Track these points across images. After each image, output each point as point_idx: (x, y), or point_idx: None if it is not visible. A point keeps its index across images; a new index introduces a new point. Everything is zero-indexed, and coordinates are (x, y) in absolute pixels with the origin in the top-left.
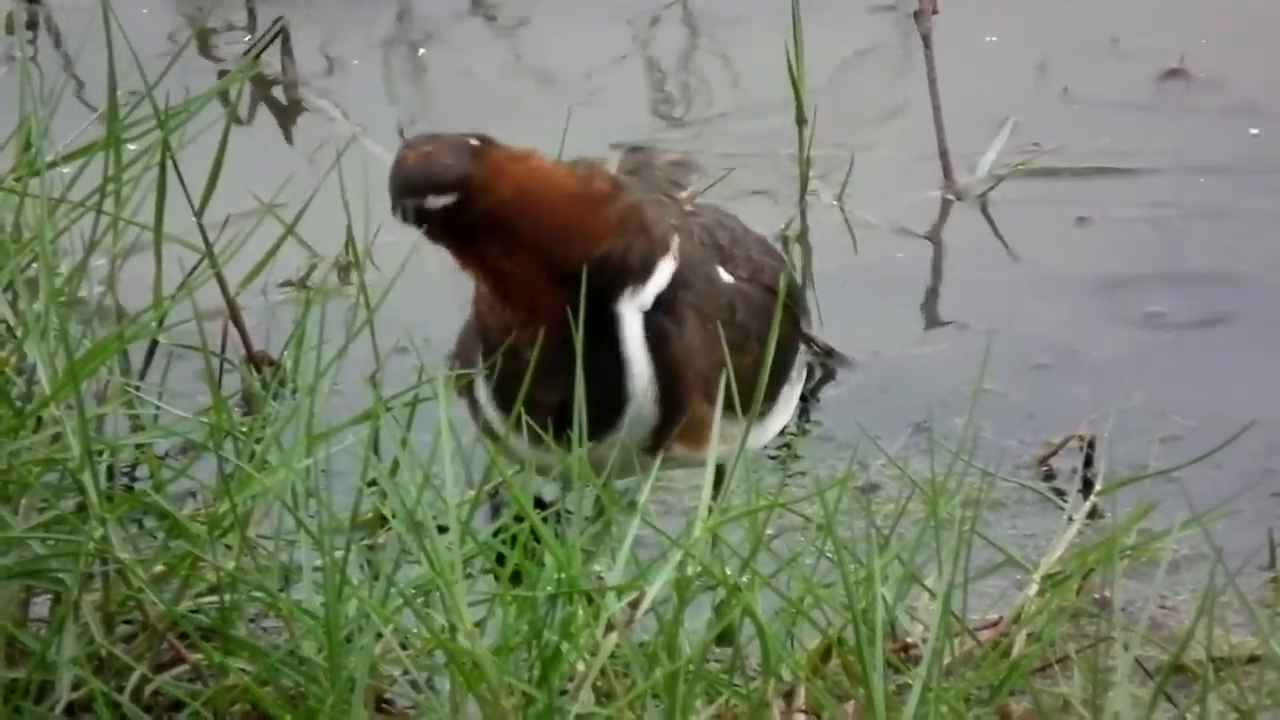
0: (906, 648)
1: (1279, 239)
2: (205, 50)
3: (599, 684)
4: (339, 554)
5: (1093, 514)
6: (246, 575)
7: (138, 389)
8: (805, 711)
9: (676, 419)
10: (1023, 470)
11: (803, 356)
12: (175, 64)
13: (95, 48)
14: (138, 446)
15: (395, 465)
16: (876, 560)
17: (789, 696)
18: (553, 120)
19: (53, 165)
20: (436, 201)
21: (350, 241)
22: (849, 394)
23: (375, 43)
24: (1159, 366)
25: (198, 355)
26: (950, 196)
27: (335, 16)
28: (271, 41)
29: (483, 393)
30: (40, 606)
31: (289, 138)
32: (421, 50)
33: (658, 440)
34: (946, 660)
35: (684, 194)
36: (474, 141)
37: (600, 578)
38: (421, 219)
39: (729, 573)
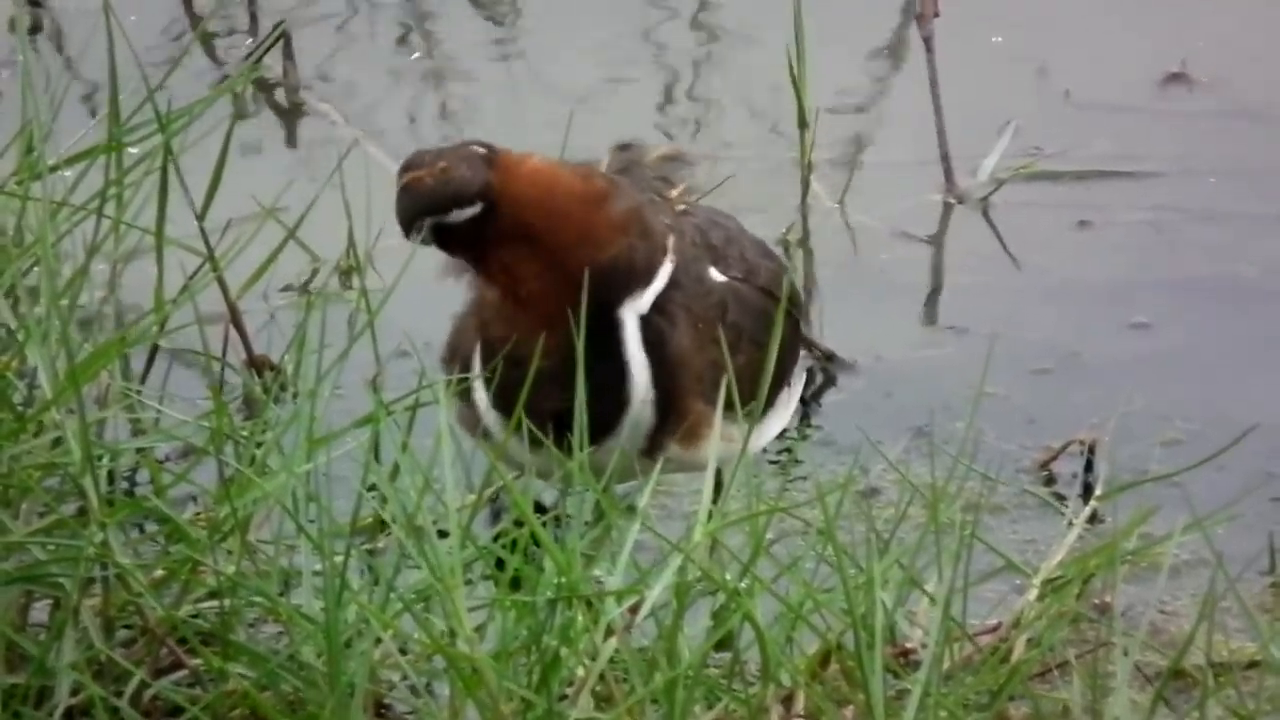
0: (906, 653)
1: None
2: (207, 54)
3: (598, 689)
4: (339, 559)
5: (1093, 519)
6: (246, 580)
7: (139, 393)
8: (804, 716)
9: (673, 421)
10: (1023, 475)
11: (802, 360)
12: (177, 68)
13: (97, 52)
14: (138, 451)
15: (396, 470)
16: (876, 565)
17: (788, 701)
18: (554, 124)
19: (54, 169)
20: (461, 215)
21: (351, 246)
22: (850, 398)
23: (376, 47)
24: (1160, 371)
25: (199, 359)
26: (951, 200)
27: (337, 20)
28: (273, 45)
29: (481, 397)
30: (40, 611)
31: (291, 141)
32: (416, 54)
33: (655, 443)
34: (946, 665)
35: (674, 192)
36: (480, 150)
37: (600, 583)
38: (441, 234)
39: (729, 578)
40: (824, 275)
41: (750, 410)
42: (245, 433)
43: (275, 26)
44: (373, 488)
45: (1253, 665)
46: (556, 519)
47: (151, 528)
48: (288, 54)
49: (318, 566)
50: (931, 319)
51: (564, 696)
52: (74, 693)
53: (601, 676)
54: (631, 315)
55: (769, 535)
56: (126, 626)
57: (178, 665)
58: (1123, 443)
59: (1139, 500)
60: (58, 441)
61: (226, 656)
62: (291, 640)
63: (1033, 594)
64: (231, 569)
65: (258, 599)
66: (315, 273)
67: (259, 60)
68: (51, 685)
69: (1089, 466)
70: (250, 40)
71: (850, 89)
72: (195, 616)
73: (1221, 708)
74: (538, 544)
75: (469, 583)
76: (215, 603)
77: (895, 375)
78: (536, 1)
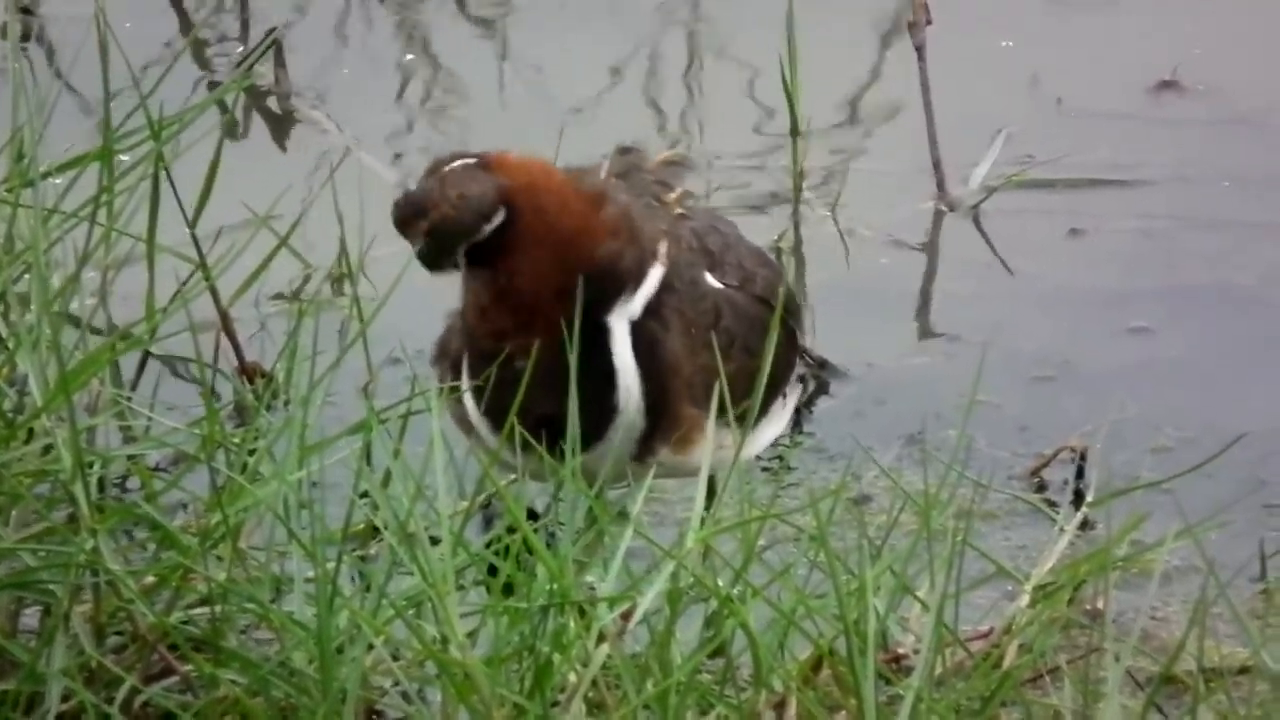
0: (898, 658)
1: (1272, 250)
2: (199, 62)
3: (591, 695)
4: (331, 565)
5: (1084, 525)
6: (238, 586)
7: (129, 400)
8: None
9: (664, 426)
10: (1015, 481)
11: (798, 371)
12: (168, 75)
13: (88, 59)
14: (129, 458)
15: (388, 476)
16: (869, 571)
17: (780, 708)
18: (548, 131)
19: (46, 176)
20: (489, 227)
21: (343, 253)
22: (842, 405)
23: (369, 54)
24: (1151, 378)
25: (190, 366)
26: (944, 208)
27: (328, 28)
28: (265, 53)
29: (470, 401)
30: (30, 618)
31: (283, 149)
32: (409, 55)
33: (646, 448)
34: (938, 671)
35: (672, 196)
36: (468, 161)
37: (592, 589)
38: (472, 252)
39: (721, 584)
40: (816, 283)
41: (741, 416)
42: (237, 440)
43: (267, 34)
44: (365, 494)
45: (1244, 671)
46: (549, 530)
47: (143, 534)
48: (279, 61)
49: (309, 573)
50: (923, 327)
51: (556, 703)
52: (65, 699)
53: (594, 683)
54: (621, 321)
55: (761, 542)
56: (117, 633)
57: (169, 672)
58: (1114, 450)
59: (1130, 507)
60: (48, 448)
61: (218, 663)
62: (283, 647)
63: (1024, 600)
64: (223, 576)
65: (249, 605)
66: (307, 280)
67: (251, 67)
68: (42, 692)
69: (1080, 473)
70: (242, 48)
71: (842, 97)
72: (186, 623)
73: (1213, 713)
74: (530, 550)
75: (461, 589)
76: (207, 609)
77: (887, 382)
78: (531, 7)
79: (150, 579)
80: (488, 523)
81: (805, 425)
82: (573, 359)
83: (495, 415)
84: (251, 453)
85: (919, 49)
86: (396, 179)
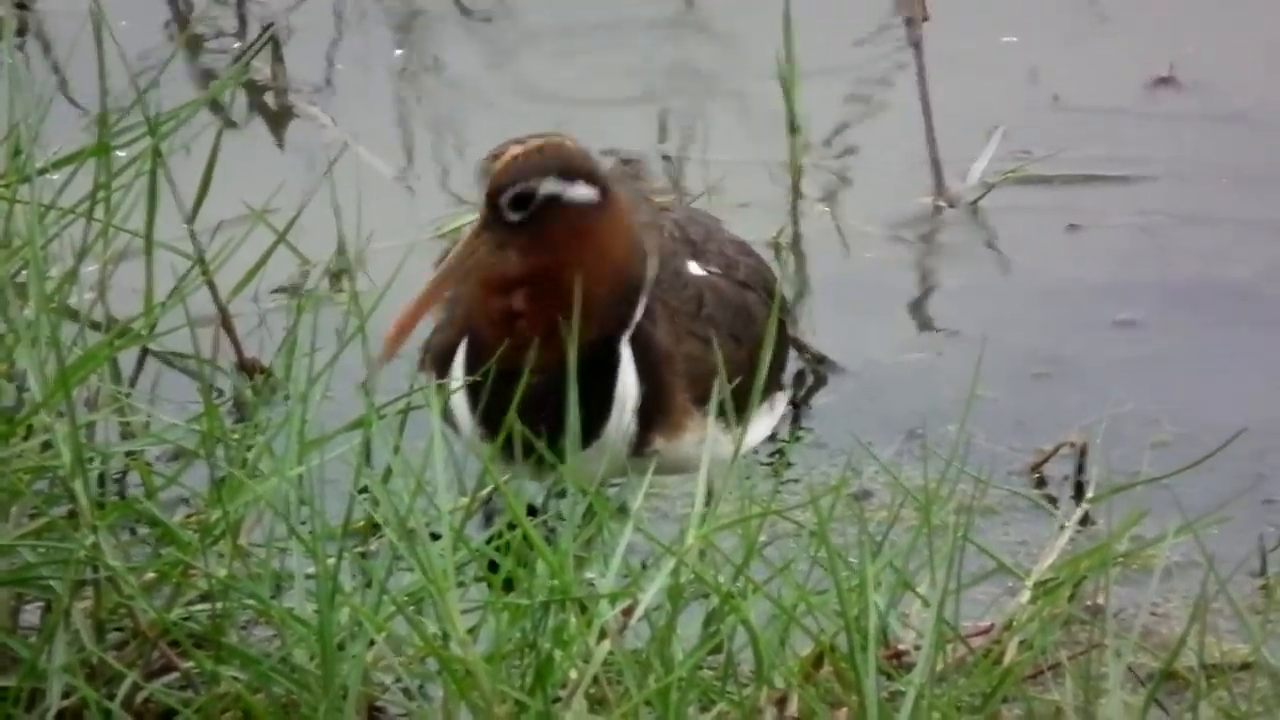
0: (899, 654)
1: (1269, 245)
2: (196, 57)
3: (592, 691)
4: (331, 561)
5: (1085, 521)
6: (238, 582)
7: (129, 396)
8: (798, 718)
9: (656, 417)
10: (1015, 477)
11: (791, 361)
12: (165, 70)
13: (85, 54)
14: (129, 454)
15: (388, 472)
16: (869, 567)
17: (782, 703)
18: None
19: (43, 172)
20: (577, 193)
21: (342, 248)
22: (841, 401)
23: (366, 51)
24: (1150, 373)
25: (189, 362)
26: (941, 204)
27: (325, 24)
28: (262, 48)
29: (463, 405)
30: (31, 614)
31: (280, 144)
32: (399, 50)
33: (641, 440)
34: (939, 667)
35: (659, 198)
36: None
37: (593, 585)
38: (541, 207)
39: (722, 580)
40: (815, 278)
41: (724, 401)
42: (236, 435)
43: (264, 30)
44: (365, 490)
45: (1245, 667)
46: (550, 526)
47: (143, 530)
48: (277, 57)
49: (310, 569)
50: (922, 322)
51: (557, 699)
52: (66, 695)
53: (595, 679)
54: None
55: (762, 538)
56: (118, 629)
57: (170, 668)
58: (1113, 445)
59: (1130, 502)
60: (48, 444)
61: (219, 659)
62: (284, 643)
63: (1025, 596)
64: (223, 572)
65: (250, 601)
66: (306, 275)
67: (248, 63)
68: (43, 688)
69: (1080, 469)
70: (239, 44)
71: (840, 93)
72: (187, 619)
73: (1214, 709)
74: (531, 546)
75: (462, 585)
76: (207, 605)
77: (886, 378)
78: (527, 6)
79: (151, 575)
80: (488, 518)
81: (804, 421)
82: (571, 366)
83: (489, 420)
84: (251, 448)
85: (916, 45)
86: (394, 174)
